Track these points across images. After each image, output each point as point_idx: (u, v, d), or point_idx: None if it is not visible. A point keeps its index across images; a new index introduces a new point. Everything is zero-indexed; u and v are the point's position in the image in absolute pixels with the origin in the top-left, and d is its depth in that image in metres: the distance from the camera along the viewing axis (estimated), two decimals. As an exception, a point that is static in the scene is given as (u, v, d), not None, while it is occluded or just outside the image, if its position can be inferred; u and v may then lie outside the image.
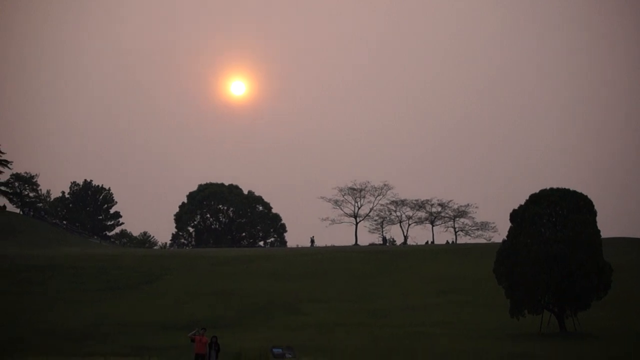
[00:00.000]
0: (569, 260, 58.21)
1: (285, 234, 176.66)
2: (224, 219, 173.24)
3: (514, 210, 63.25)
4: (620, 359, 42.07)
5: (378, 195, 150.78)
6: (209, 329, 48.19)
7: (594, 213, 61.27)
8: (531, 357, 42.40)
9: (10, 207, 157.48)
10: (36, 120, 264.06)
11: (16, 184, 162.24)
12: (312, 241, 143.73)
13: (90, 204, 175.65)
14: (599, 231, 60.51)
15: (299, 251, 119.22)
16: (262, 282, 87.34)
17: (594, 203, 61.72)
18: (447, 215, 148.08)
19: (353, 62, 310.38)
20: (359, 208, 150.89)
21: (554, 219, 61.52)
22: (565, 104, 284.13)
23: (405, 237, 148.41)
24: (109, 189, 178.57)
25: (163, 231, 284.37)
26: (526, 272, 58.64)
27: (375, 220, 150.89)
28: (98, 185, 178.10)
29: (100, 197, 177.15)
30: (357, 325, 62.55)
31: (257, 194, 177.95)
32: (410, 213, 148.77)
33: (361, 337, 56.24)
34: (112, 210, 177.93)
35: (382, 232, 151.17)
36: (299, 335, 57.39)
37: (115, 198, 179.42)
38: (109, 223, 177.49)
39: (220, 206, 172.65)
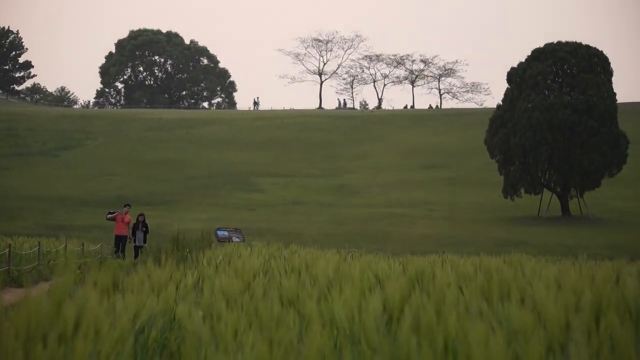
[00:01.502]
0: (578, 130, 58.29)
1: (234, 94, 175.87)
2: (160, 74, 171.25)
3: (512, 69, 62.83)
4: (630, 247, 42.58)
5: (348, 49, 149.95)
6: (141, 206, 47.89)
7: (609, 72, 61.10)
8: (528, 245, 42.77)
9: None
10: None
11: None
12: (256, 103, 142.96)
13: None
14: (614, 94, 60.48)
15: (251, 115, 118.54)
16: (206, 152, 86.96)
17: (610, 60, 61.49)
18: (431, 74, 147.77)
19: None
20: (324, 64, 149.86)
21: (561, 79, 61.32)
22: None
23: (380, 100, 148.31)
24: (18, 33, 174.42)
25: (85, 87, 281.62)
26: (525, 144, 58.72)
27: (344, 79, 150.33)
28: (3, 28, 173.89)
29: (7, 43, 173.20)
30: (320, 205, 62.72)
31: (200, 44, 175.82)
32: (386, 71, 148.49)
33: (325, 219, 56.41)
34: (21, 59, 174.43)
35: (352, 93, 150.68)
36: (250, 216, 57.46)
37: (26, 44, 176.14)
38: (17, 75, 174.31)
39: (156, 58, 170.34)
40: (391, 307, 3.64)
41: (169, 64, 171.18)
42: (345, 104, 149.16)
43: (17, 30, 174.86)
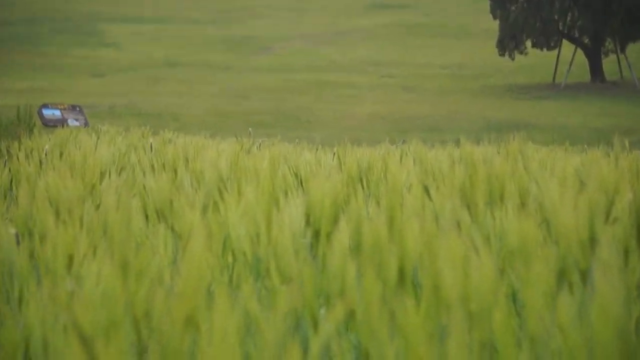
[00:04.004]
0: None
1: None
2: None
3: None
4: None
5: None
6: None
7: None
8: (536, 128, 43.40)
9: None
10: None
11: None
12: None
13: None
14: None
15: None
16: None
17: None
18: None
19: None
20: None
21: None
22: None
23: None
24: None
25: None
26: (534, -31, 59.17)
27: None
28: None
29: None
30: (209, 68, 62.67)
31: None
32: None
33: (217, 90, 56.43)
34: None
35: None
36: (98, 86, 57.23)
37: None
38: None
39: None
40: (318, 219, 3.64)
41: None
42: None
43: None
